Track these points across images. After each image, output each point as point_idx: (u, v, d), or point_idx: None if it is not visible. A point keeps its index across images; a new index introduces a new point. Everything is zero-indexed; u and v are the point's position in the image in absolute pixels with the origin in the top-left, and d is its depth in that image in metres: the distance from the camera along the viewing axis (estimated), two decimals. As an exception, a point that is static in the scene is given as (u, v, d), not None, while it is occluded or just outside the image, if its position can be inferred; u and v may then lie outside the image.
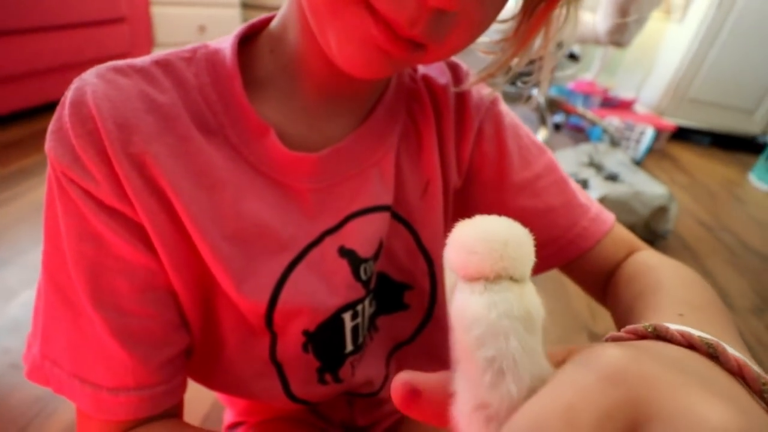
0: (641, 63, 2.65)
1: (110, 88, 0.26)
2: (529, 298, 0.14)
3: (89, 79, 0.26)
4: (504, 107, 0.40)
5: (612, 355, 0.12)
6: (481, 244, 0.14)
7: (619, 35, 1.70)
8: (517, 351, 0.13)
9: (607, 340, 0.18)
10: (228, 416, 0.47)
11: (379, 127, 0.35)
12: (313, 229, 0.32)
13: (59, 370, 0.28)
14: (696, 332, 0.16)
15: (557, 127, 2.37)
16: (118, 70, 0.27)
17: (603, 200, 1.26)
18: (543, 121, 1.91)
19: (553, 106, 2.11)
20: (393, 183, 0.35)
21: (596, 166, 1.52)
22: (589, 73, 2.58)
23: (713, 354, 0.15)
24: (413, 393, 0.15)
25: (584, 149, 1.60)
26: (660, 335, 0.17)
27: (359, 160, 0.33)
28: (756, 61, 2.28)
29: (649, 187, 1.34)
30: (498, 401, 0.13)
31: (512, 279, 0.14)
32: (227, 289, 0.30)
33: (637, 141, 2.02)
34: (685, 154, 2.37)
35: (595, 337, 0.97)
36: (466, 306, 0.14)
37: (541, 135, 1.84)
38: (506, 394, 0.13)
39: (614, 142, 1.91)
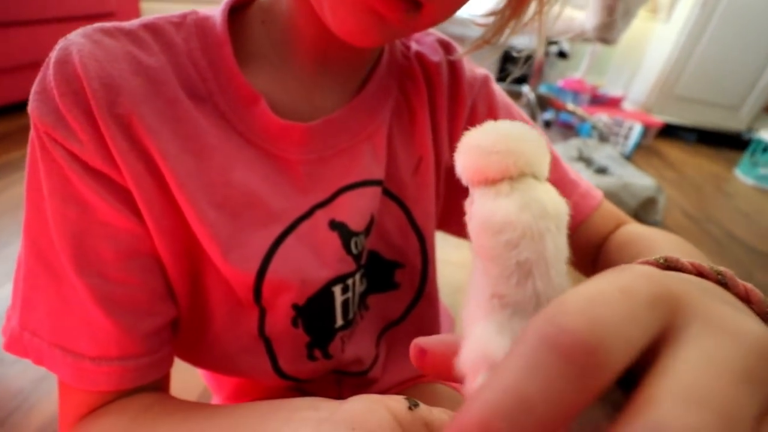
0: (629, 61, 2.69)
1: (96, 48, 0.25)
2: (555, 194, 0.14)
3: (75, 39, 0.26)
4: (496, 86, 0.41)
5: (645, 267, 0.12)
6: (500, 143, 0.13)
7: (607, 32, 1.72)
8: (551, 253, 0.12)
9: None
10: (215, 402, 0.46)
11: (372, 101, 0.34)
12: (303, 201, 0.32)
13: (39, 340, 0.27)
14: (705, 263, 0.17)
15: (547, 124, 2.39)
16: (105, 32, 0.27)
17: (592, 192, 1.28)
18: (533, 118, 1.92)
19: (543, 103, 2.13)
20: (385, 158, 0.35)
21: (585, 160, 1.53)
22: (578, 72, 2.61)
23: (722, 281, 0.16)
24: (421, 352, 0.16)
25: (574, 144, 1.62)
26: (671, 266, 0.17)
27: (351, 133, 0.33)
28: (740, 58, 2.32)
29: (638, 179, 1.35)
30: (521, 297, 0.12)
31: (534, 177, 0.14)
32: (214, 258, 0.29)
33: (626, 137, 2.04)
34: (673, 151, 2.40)
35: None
36: (495, 209, 0.13)
37: (532, 131, 1.86)
38: (532, 292, 0.12)
39: (603, 138, 1.93)
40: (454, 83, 0.38)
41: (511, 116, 0.40)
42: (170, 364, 0.32)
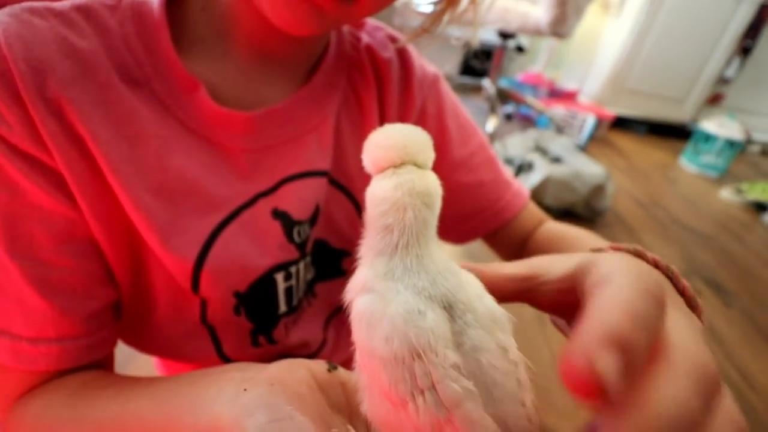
0: (584, 56, 2.81)
1: (24, 29, 0.25)
2: (431, 178, 0.18)
3: (1, 19, 0.24)
4: (445, 86, 0.42)
5: (646, 266, 0.20)
6: (388, 139, 0.18)
7: (559, 27, 1.79)
8: (410, 221, 0.17)
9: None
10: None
11: (318, 93, 0.35)
12: (246, 190, 0.32)
13: None
14: (648, 253, 0.22)
15: (508, 117, 2.47)
16: (34, 11, 0.26)
17: (547, 180, 1.34)
18: (493, 110, 1.98)
19: (503, 96, 2.19)
20: (331, 150, 0.35)
21: (542, 150, 1.60)
22: (536, 66, 2.70)
23: (670, 275, 0.20)
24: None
25: (531, 135, 1.68)
26: (638, 254, 0.21)
27: (296, 125, 0.33)
28: (685, 53, 2.47)
29: (589, 168, 1.43)
30: (383, 246, 0.17)
31: (416, 165, 0.18)
32: (152, 245, 0.29)
33: (580, 128, 2.14)
34: (624, 141, 2.53)
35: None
36: (377, 188, 0.18)
37: (492, 123, 1.91)
38: (391, 244, 0.17)
39: (560, 130, 2.02)
40: (404, 81, 0.39)
41: (457, 118, 0.41)
42: (112, 344, 0.32)
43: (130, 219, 0.29)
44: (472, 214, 0.41)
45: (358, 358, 0.17)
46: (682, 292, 0.20)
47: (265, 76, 0.33)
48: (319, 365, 0.23)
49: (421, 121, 0.40)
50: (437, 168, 0.42)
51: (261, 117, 0.31)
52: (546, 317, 0.94)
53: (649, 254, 0.21)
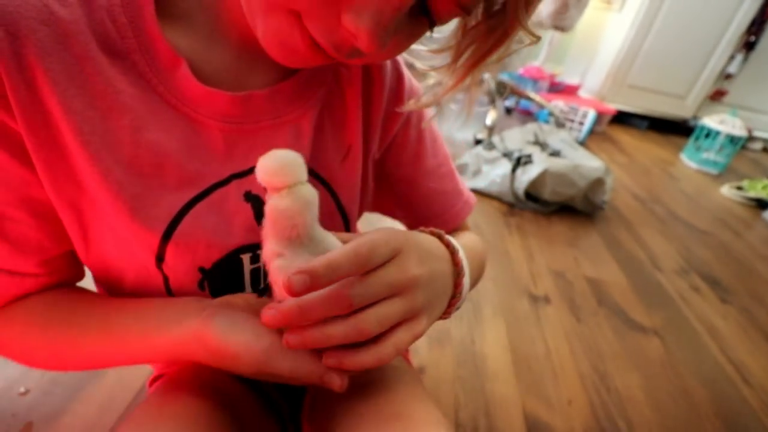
0: (585, 51, 2.78)
1: None
2: (311, 190, 0.27)
3: None
4: (421, 92, 0.43)
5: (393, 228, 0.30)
6: (283, 167, 0.26)
7: (561, 20, 1.77)
8: (308, 221, 0.27)
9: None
10: (152, 373, 0.46)
11: (302, 87, 0.35)
12: (221, 169, 0.32)
13: None
14: (447, 236, 0.36)
15: (508, 111, 2.45)
16: None
17: (545, 173, 1.32)
18: (493, 103, 1.96)
19: (504, 89, 2.17)
20: (310, 143, 0.35)
21: (541, 144, 1.58)
22: (537, 60, 2.68)
23: (451, 251, 0.34)
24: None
25: (530, 128, 1.67)
26: (434, 233, 0.35)
27: (276, 113, 0.33)
28: (687, 49, 2.44)
29: (588, 162, 1.41)
30: (288, 245, 0.27)
31: (300, 182, 0.26)
32: (119, 217, 0.29)
33: (581, 123, 2.12)
34: (625, 137, 2.51)
35: (535, 299, 1.01)
36: (281, 204, 0.26)
37: (491, 117, 1.89)
38: (295, 242, 0.27)
39: (560, 124, 2.00)
40: (396, 91, 0.40)
41: (432, 130, 0.45)
42: (75, 278, 0.35)
43: (88, 190, 0.29)
44: (432, 217, 0.46)
45: (276, 290, 0.27)
46: (455, 263, 0.34)
47: (250, 64, 0.32)
48: (250, 294, 0.33)
49: (404, 129, 0.42)
50: (411, 171, 0.46)
51: (243, 98, 0.31)
52: (540, 311, 0.93)
53: (445, 235, 0.35)
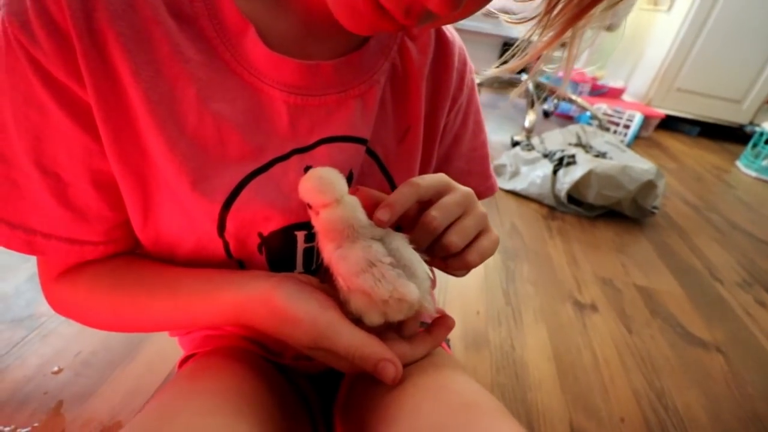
0: (630, 53, 2.66)
1: None
2: (354, 198, 0.29)
3: None
4: (474, 77, 0.43)
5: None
6: (330, 186, 0.28)
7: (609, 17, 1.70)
8: (355, 225, 0.28)
9: None
10: (182, 353, 0.44)
11: (369, 59, 0.33)
12: (283, 144, 0.31)
13: None
14: None
15: (546, 114, 2.37)
16: None
17: (590, 174, 1.25)
18: (531, 105, 1.89)
19: (543, 91, 2.10)
20: (374, 119, 0.34)
21: (584, 146, 1.50)
22: (578, 63, 2.58)
23: None
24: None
25: (572, 129, 1.59)
26: None
27: (342, 86, 0.32)
28: (742, 50, 2.29)
29: (637, 164, 1.32)
30: (350, 244, 0.28)
31: (345, 195, 0.28)
32: (180, 186, 0.29)
33: (626, 126, 2.01)
34: (673, 143, 2.37)
35: (581, 306, 0.94)
36: (331, 217, 0.28)
37: (529, 119, 1.82)
38: (353, 240, 0.28)
39: (603, 127, 1.90)
40: (461, 72, 0.39)
41: (477, 115, 0.44)
42: (135, 243, 0.34)
43: (152, 161, 0.28)
44: None
45: (341, 280, 0.28)
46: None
47: (317, 34, 0.31)
48: (315, 278, 0.31)
49: (454, 113, 0.40)
50: (448, 150, 0.45)
51: (310, 67, 0.30)
52: (587, 319, 0.85)
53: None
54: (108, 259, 0.33)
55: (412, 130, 0.36)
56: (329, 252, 0.28)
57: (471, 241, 0.30)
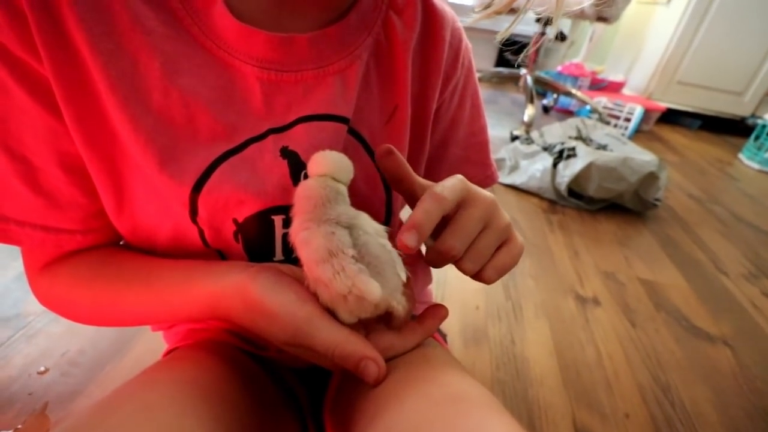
0: (630, 47, 2.64)
1: None
2: (343, 187, 0.28)
3: None
4: (473, 59, 0.41)
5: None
6: (333, 164, 0.27)
7: (606, 9, 1.67)
8: (323, 196, 0.26)
9: None
10: (166, 347, 0.42)
11: (349, 34, 0.31)
12: (258, 124, 0.29)
13: None
14: None
15: (545, 109, 2.34)
16: None
17: (590, 167, 1.22)
18: (531, 100, 1.87)
19: (542, 85, 2.07)
20: (355, 97, 0.32)
21: (584, 139, 1.48)
22: (577, 57, 2.56)
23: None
24: (389, 151, 0.28)
25: (572, 123, 1.57)
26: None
27: (319, 61, 0.30)
28: (743, 42, 2.26)
29: (638, 155, 1.30)
30: (319, 217, 0.26)
31: (334, 178, 0.27)
32: (148, 167, 0.27)
33: (627, 119, 1.99)
34: (674, 136, 2.35)
35: (583, 300, 0.92)
36: (306, 183, 0.27)
37: (529, 113, 1.80)
38: (324, 215, 0.26)
39: (603, 121, 1.88)
40: (455, 48, 0.37)
41: (475, 98, 0.42)
42: (112, 238, 0.33)
43: (119, 140, 0.26)
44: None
45: (304, 267, 0.26)
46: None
47: (292, 7, 0.29)
48: (297, 268, 0.28)
49: (450, 94, 0.38)
50: (443, 135, 0.42)
51: (283, 40, 0.28)
52: (589, 313, 0.82)
53: None
54: (89, 250, 0.32)
55: (399, 110, 0.34)
56: (295, 230, 0.26)
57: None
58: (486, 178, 0.45)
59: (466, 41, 0.38)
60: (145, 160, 0.27)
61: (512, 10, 0.33)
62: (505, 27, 0.34)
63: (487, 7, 0.33)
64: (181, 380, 0.28)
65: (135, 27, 0.25)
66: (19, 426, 0.52)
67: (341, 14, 0.31)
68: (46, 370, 0.59)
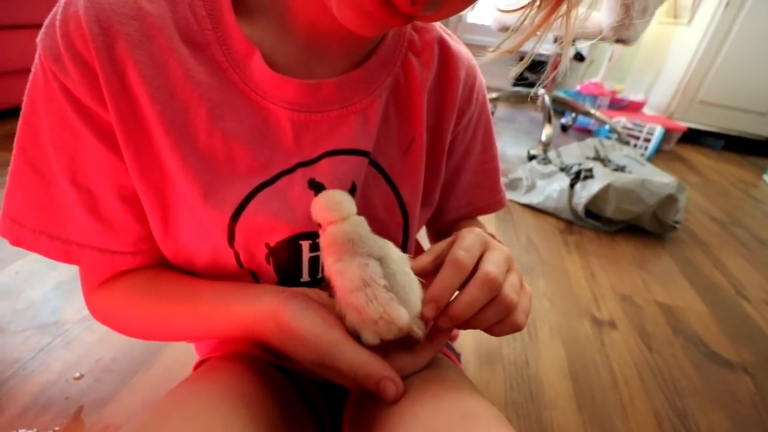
0: (650, 66, 2.63)
1: None
2: (361, 218, 0.30)
3: None
4: (485, 92, 0.44)
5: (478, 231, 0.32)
6: (339, 205, 0.30)
7: (624, 31, 1.68)
8: (356, 238, 0.29)
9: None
10: (197, 357, 0.45)
11: (371, 76, 0.35)
12: (288, 158, 0.33)
13: (20, 227, 0.31)
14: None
15: (564, 128, 2.35)
16: None
17: (608, 188, 1.23)
18: (548, 120, 1.88)
19: (560, 105, 2.09)
20: (375, 132, 0.35)
21: (602, 161, 1.48)
22: (596, 77, 2.56)
23: (497, 241, 0.34)
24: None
25: (590, 143, 1.57)
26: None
27: (344, 102, 0.34)
28: (766, 62, 2.23)
29: (657, 177, 1.30)
30: (351, 256, 0.29)
31: (352, 214, 0.30)
32: (194, 199, 0.31)
33: (646, 140, 1.98)
34: (696, 156, 2.31)
35: (599, 323, 0.92)
36: (335, 230, 0.29)
37: (546, 133, 1.81)
38: (354, 253, 0.29)
39: (622, 141, 1.87)
40: (470, 84, 0.40)
41: (487, 127, 0.45)
42: (158, 257, 0.36)
43: (168, 176, 0.31)
44: (458, 207, 0.47)
45: (338, 294, 0.28)
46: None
47: (319, 53, 0.33)
48: (322, 292, 0.32)
49: (458, 122, 0.40)
50: (456, 163, 0.45)
51: (311, 86, 0.32)
52: (605, 336, 0.84)
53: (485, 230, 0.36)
54: (140, 270, 0.36)
55: (416, 142, 0.37)
56: (329, 265, 0.29)
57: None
58: (495, 203, 0.48)
59: (480, 78, 0.41)
60: (191, 193, 0.30)
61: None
62: (524, 47, 0.36)
63: (503, 43, 0.36)
64: (224, 388, 0.31)
65: (187, 80, 0.29)
66: (57, 428, 0.55)
67: (363, 58, 0.34)
68: (82, 376, 0.63)
